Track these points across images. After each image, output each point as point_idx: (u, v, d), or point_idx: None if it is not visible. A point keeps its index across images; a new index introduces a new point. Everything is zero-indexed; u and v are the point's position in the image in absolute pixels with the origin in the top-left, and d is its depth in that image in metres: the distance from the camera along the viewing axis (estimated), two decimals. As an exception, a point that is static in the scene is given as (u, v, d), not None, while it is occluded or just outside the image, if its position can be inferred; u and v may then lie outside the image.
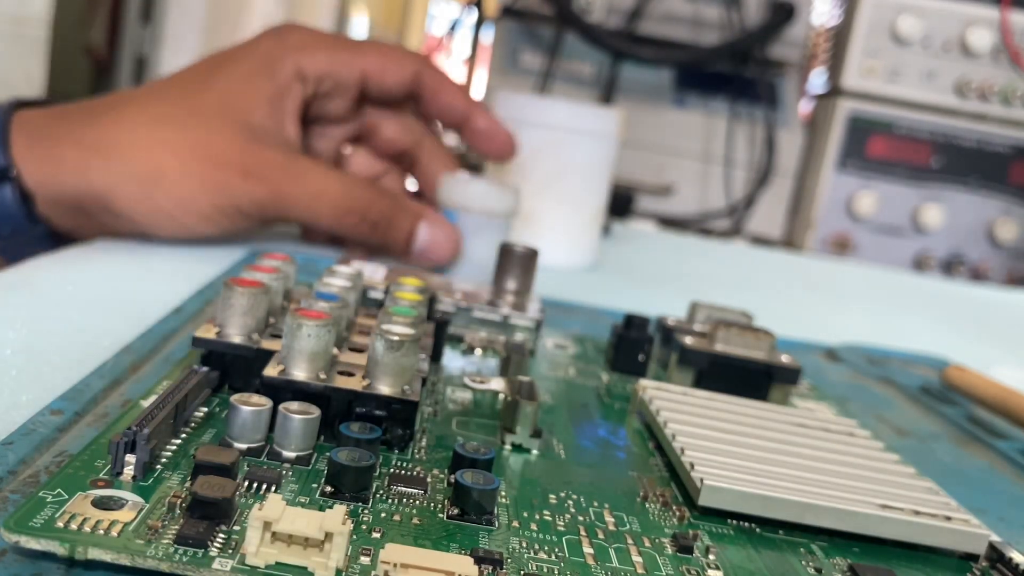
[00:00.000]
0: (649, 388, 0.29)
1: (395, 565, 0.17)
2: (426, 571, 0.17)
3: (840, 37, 1.10)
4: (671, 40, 1.06)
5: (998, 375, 0.40)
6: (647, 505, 0.23)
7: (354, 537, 0.18)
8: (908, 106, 1.07)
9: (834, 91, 1.10)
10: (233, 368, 0.25)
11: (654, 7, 1.05)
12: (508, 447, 0.25)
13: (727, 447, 0.25)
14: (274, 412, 0.22)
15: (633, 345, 0.34)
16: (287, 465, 0.21)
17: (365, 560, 0.18)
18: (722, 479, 0.23)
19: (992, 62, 1.05)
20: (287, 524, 0.17)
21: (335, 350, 0.25)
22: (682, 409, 0.28)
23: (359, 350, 0.26)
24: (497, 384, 0.29)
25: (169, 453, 0.21)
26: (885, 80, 1.06)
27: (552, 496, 0.23)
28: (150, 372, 0.27)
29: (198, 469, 0.19)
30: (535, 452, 0.25)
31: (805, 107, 1.18)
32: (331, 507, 0.19)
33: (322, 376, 0.23)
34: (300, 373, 0.23)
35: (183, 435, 0.22)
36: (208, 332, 0.25)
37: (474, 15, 1.20)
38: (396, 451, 0.23)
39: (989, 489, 0.30)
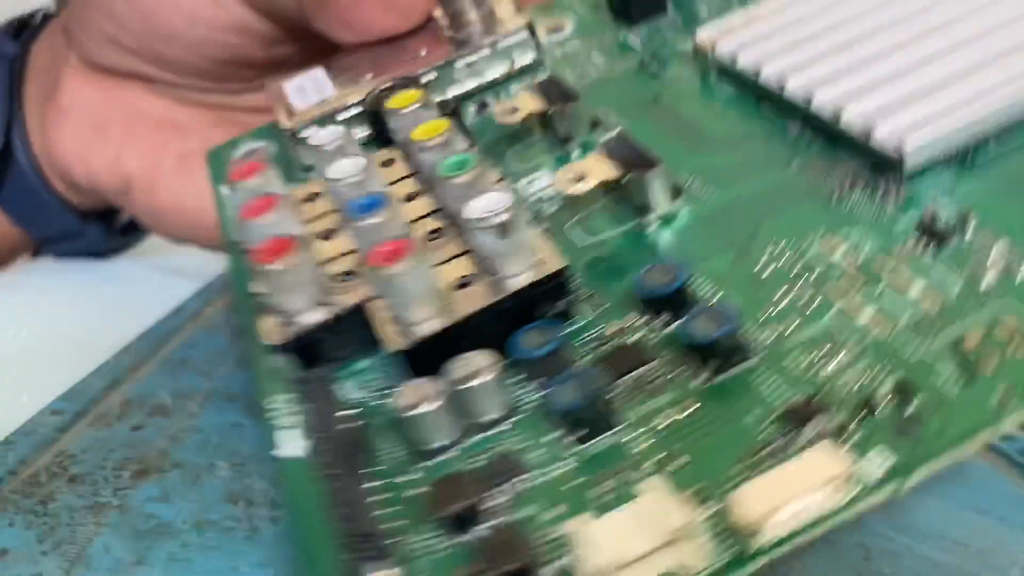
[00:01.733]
0: (718, 38, 0.24)
1: (769, 510, 0.13)
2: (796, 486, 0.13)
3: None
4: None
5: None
6: (845, 203, 0.19)
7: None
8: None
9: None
10: (320, 346, 0.19)
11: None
12: (652, 228, 0.20)
13: (880, 72, 0.20)
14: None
15: None
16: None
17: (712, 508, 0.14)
18: (918, 130, 0.18)
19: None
20: (623, 551, 0.13)
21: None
22: (782, 47, 0.23)
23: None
24: (530, 103, 0.24)
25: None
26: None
27: (742, 254, 0.19)
28: (150, 372, 0.27)
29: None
30: (685, 213, 0.20)
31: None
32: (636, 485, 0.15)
33: (447, 306, 0.18)
34: (424, 322, 0.18)
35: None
36: (274, 332, 0.19)
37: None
38: (566, 322, 0.18)
39: (989, 489, 0.30)
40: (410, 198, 0.22)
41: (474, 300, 0.18)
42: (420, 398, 0.17)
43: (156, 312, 0.32)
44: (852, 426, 0.15)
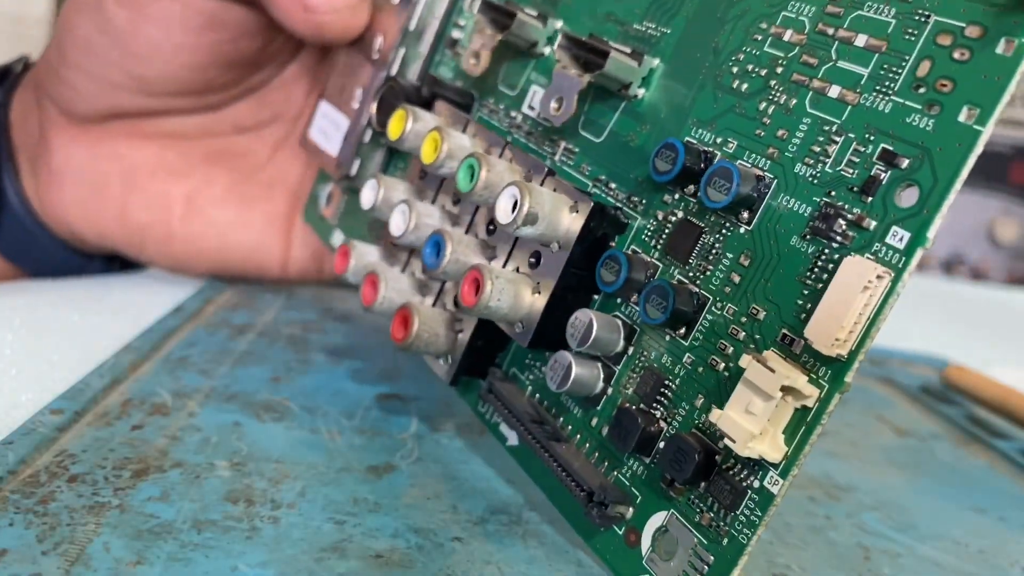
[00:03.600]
0: None
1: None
2: None
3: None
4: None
5: (998, 375, 0.40)
6: None
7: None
8: (908, 106, 1.07)
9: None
10: (477, 356, 0.24)
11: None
12: (641, 94, 0.22)
13: None
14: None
15: None
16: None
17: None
18: None
19: (992, 62, 1.05)
20: (754, 421, 0.17)
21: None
22: None
23: None
24: (484, 41, 0.25)
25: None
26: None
27: (717, 85, 0.20)
28: (150, 371, 0.27)
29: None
30: (656, 66, 0.22)
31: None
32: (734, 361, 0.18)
33: (537, 285, 0.21)
34: (528, 310, 0.21)
35: None
36: (444, 370, 0.24)
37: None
38: (622, 233, 0.21)
39: (989, 489, 0.30)
40: (455, 201, 0.25)
41: (553, 269, 0.21)
42: (563, 374, 0.20)
43: (156, 312, 0.32)
44: (867, 220, 0.17)
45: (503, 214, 0.21)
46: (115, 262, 0.38)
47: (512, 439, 0.23)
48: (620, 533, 0.19)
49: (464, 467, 0.24)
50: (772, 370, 0.17)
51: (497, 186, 0.22)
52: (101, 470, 0.21)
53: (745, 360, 0.17)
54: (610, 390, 0.20)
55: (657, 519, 0.19)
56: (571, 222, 0.21)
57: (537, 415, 0.22)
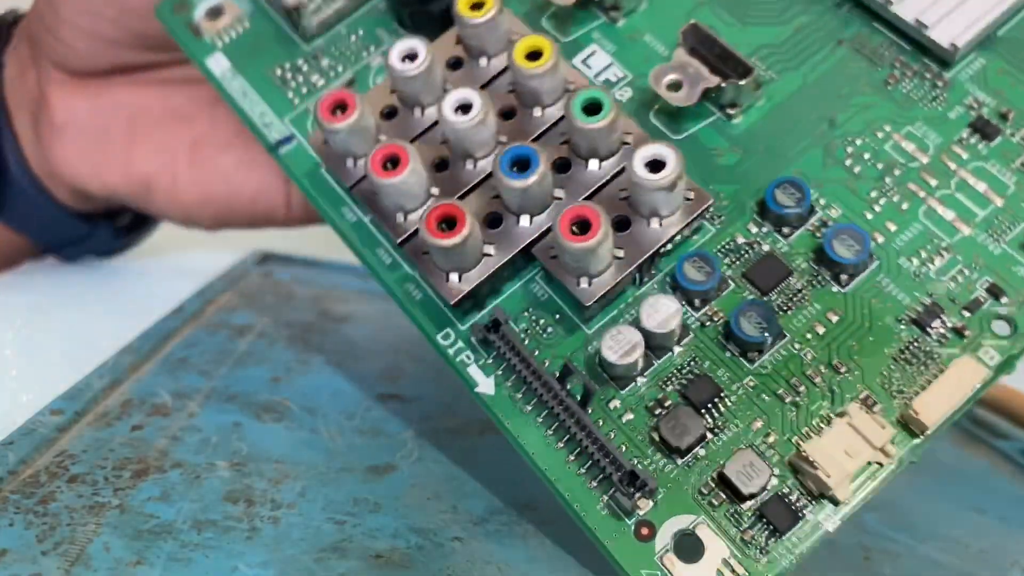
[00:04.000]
0: None
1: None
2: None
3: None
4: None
5: (998, 375, 0.40)
6: (899, 90, 0.21)
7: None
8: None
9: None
10: (483, 289, 0.21)
11: None
12: (738, 119, 0.22)
13: None
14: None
15: None
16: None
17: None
18: (966, 26, 0.21)
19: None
20: (848, 463, 0.18)
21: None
22: None
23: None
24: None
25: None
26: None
27: (828, 154, 0.21)
28: (150, 372, 0.27)
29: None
30: (763, 102, 0.22)
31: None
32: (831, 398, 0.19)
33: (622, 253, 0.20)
34: (603, 272, 0.20)
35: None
36: (454, 290, 0.21)
37: None
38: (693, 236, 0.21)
39: (989, 489, 0.30)
40: (507, 115, 0.22)
41: (643, 243, 0.20)
42: (628, 348, 0.19)
43: (156, 312, 0.32)
44: (967, 330, 0.19)
45: (640, 168, 0.19)
46: (121, 230, 0.38)
47: (486, 387, 0.21)
48: (629, 524, 0.19)
49: (464, 467, 0.24)
50: (882, 426, 0.18)
51: (616, 131, 0.20)
52: (101, 470, 0.21)
53: (853, 408, 0.18)
54: (640, 380, 0.20)
55: (681, 520, 0.19)
56: (679, 203, 0.20)
57: (562, 375, 0.20)
